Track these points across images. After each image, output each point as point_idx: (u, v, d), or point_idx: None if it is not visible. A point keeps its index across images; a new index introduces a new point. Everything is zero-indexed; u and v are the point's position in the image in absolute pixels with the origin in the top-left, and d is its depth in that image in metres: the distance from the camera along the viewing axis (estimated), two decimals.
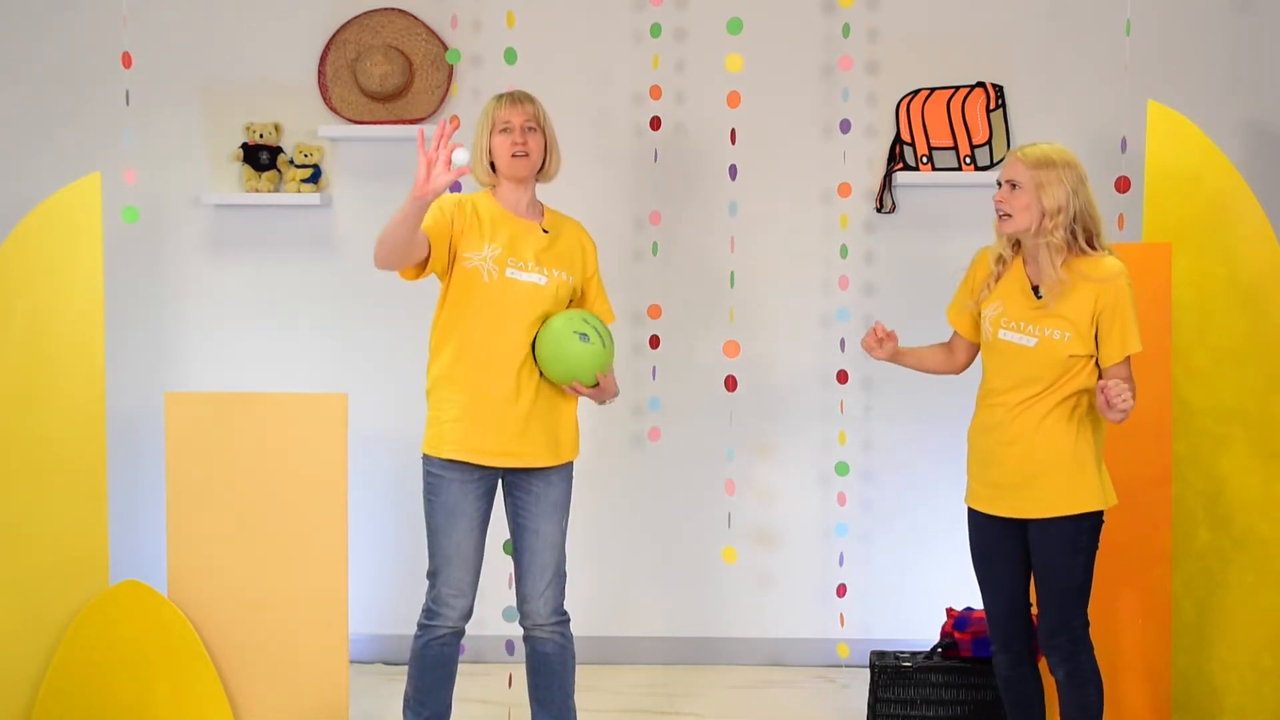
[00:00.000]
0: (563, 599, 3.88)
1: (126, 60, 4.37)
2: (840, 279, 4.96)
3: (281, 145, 5.08)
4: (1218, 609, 4.17)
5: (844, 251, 4.90)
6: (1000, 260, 3.73)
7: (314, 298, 5.14)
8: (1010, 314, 3.66)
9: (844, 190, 4.85)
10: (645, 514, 5.18)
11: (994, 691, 4.23)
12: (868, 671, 4.50)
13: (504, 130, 3.79)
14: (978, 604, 4.33)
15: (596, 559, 5.11)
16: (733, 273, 4.83)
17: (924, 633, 4.85)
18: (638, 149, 5.07)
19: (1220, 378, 4.18)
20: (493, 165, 3.83)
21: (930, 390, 4.92)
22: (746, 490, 5.12)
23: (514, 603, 3.92)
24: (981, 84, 4.96)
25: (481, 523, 3.82)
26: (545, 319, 3.78)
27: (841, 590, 4.78)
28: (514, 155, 3.77)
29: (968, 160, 4.93)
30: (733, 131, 4.77)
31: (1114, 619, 4.07)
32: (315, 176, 5.07)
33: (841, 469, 4.84)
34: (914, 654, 4.43)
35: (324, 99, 5.06)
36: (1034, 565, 3.68)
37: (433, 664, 3.85)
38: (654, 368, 5.01)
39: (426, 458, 3.80)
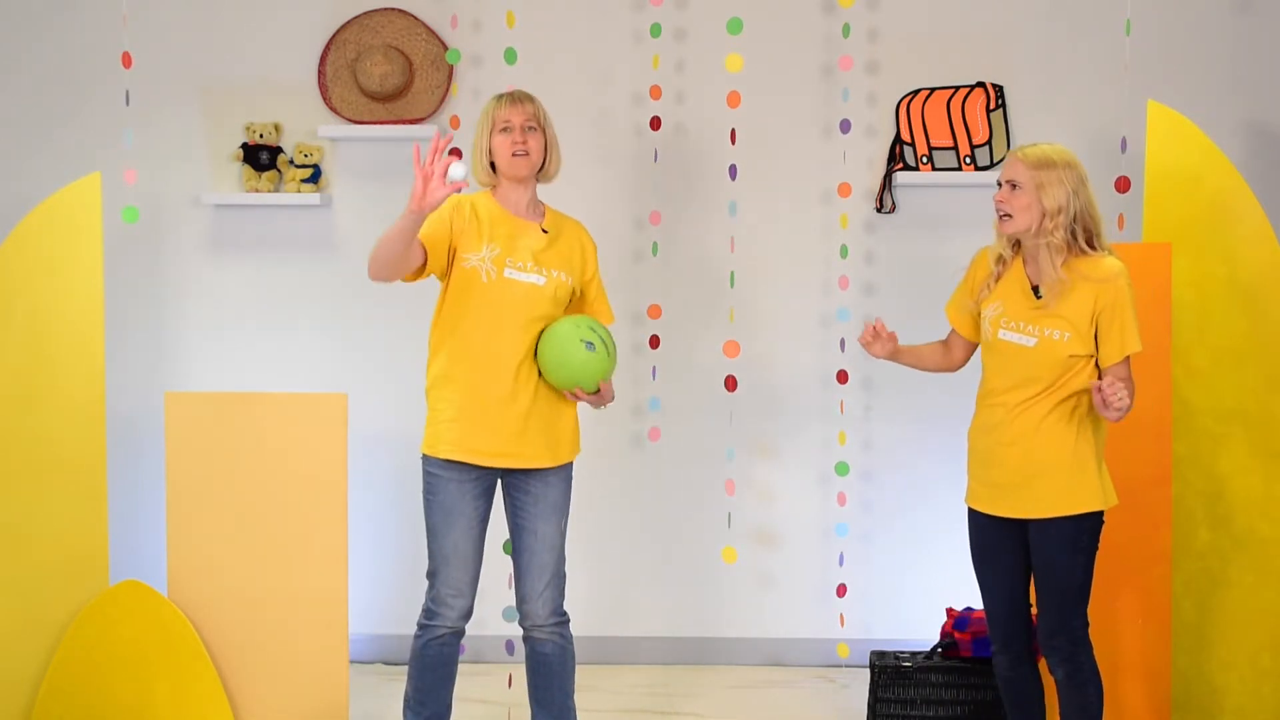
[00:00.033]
0: (562, 599, 3.88)
1: (126, 60, 4.37)
2: (840, 279, 4.96)
3: (281, 145, 5.08)
4: (1218, 609, 4.17)
5: (844, 251, 4.90)
6: (1000, 260, 3.73)
7: (314, 298, 5.14)
8: (1010, 314, 3.66)
9: (844, 190, 4.85)
10: (645, 514, 5.18)
11: (994, 691, 4.23)
12: (868, 671, 4.50)
13: (504, 130, 3.79)
14: (978, 604, 4.33)
15: (596, 559, 5.11)
16: (733, 273, 4.83)
17: (924, 633, 4.85)
18: (638, 149, 5.07)
19: (1220, 378, 4.18)
20: (493, 165, 3.83)
21: (930, 390, 4.93)
22: (746, 490, 5.12)
23: (514, 603, 3.92)
24: (981, 84, 4.96)
25: (480, 523, 3.82)
26: (547, 321, 3.78)
27: (841, 590, 4.78)
28: (514, 154, 3.77)
29: (968, 160, 4.93)
30: (733, 131, 4.77)
31: (1114, 619, 4.07)
32: (315, 176, 5.07)
33: (841, 469, 4.84)
34: (914, 654, 4.43)
35: (324, 99, 5.06)
36: (1034, 565, 3.68)
37: (432, 664, 3.85)
38: (654, 368, 5.01)
39: (425, 457, 3.81)
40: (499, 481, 3.86)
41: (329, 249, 5.14)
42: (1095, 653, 3.69)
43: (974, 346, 3.87)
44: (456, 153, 4.40)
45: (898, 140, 5.01)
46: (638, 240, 5.08)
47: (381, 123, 5.03)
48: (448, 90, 5.03)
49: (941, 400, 4.91)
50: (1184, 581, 4.21)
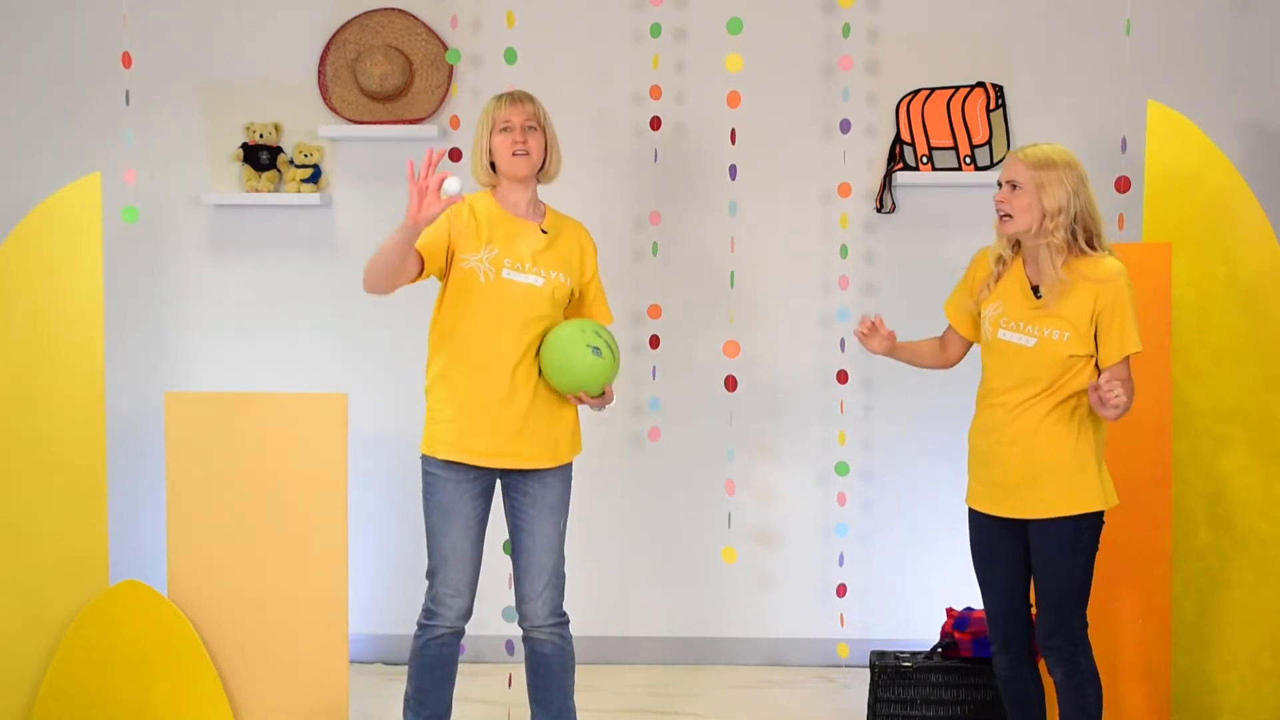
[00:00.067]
0: (561, 600, 3.88)
1: (126, 60, 4.37)
2: (840, 279, 4.96)
3: (281, 145, 5.08)
4: (1218, 609, 4.17)
5: (844, 251, 4.90)
6: (1000, 260, 3.73)
7: (314, 298, 5.14)
8: (1010, 314, 3.66)
9: (844, 190, 4.85)
10: (645, 514, 5.18)
11: (994, 691, 4.23)
12: (868, 671, 4.49)
13: (504, 129, 3.78)
14: (978, 604, 4.33)
15: (596, 559, 5.11)
16: (733, 273, 4.83)
17: (924, 633, 4.85)
18: (638, 149, 5.07)
19: (1220, 378, 4.18)
20: (493, 165, 3.83)
21: (930, 390, 4.93)
22: (746, 490, 5.12)
23: (513, 603, 3.92)
24: (981, 84, 4.96)
25: (478, 523, 3.82)
26: (546, 322, 3.77)
27: (841, 590, 4.78)
28: (514, 154, 3.77)
29: (968, 160, 4.93)
30: (733, 131, 4.77)
31: (1114, 619, 4.07)
32: (315, 176, 5.07)
33: (841, 469, 4.84)
34: (914, 654, 4.43)
35: (324, 99, 5.06)
36: (1034, 565, 3.67)
37: (432, 664, 3.85)
38: (654, 368, 5.01)
39: (424, 457, 3.81)
40: (498, 481, 3.86)
41: (329, 249, 5.14)
42: (1095, 653, 3.68)
43: (970, 344, 3.88)
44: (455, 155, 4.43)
45: (898, 140, 5.01)
46: (638, 240, 5.08)
47: (381, 123, 5.03)
48: (448, 90, 5.03)
49: (941, 400, 4.91)
50: (1184, 581, 4.21)
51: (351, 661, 4.92)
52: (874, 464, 5.11)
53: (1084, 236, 3.60)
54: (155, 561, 4.49)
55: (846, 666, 5.00)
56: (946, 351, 3.93)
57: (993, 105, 4.93)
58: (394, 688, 4.51)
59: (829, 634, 5.03)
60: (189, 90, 5.12)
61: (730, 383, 4.81)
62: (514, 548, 3.88)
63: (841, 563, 4.90)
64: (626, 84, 5.06)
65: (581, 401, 3.79)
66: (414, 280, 3.76)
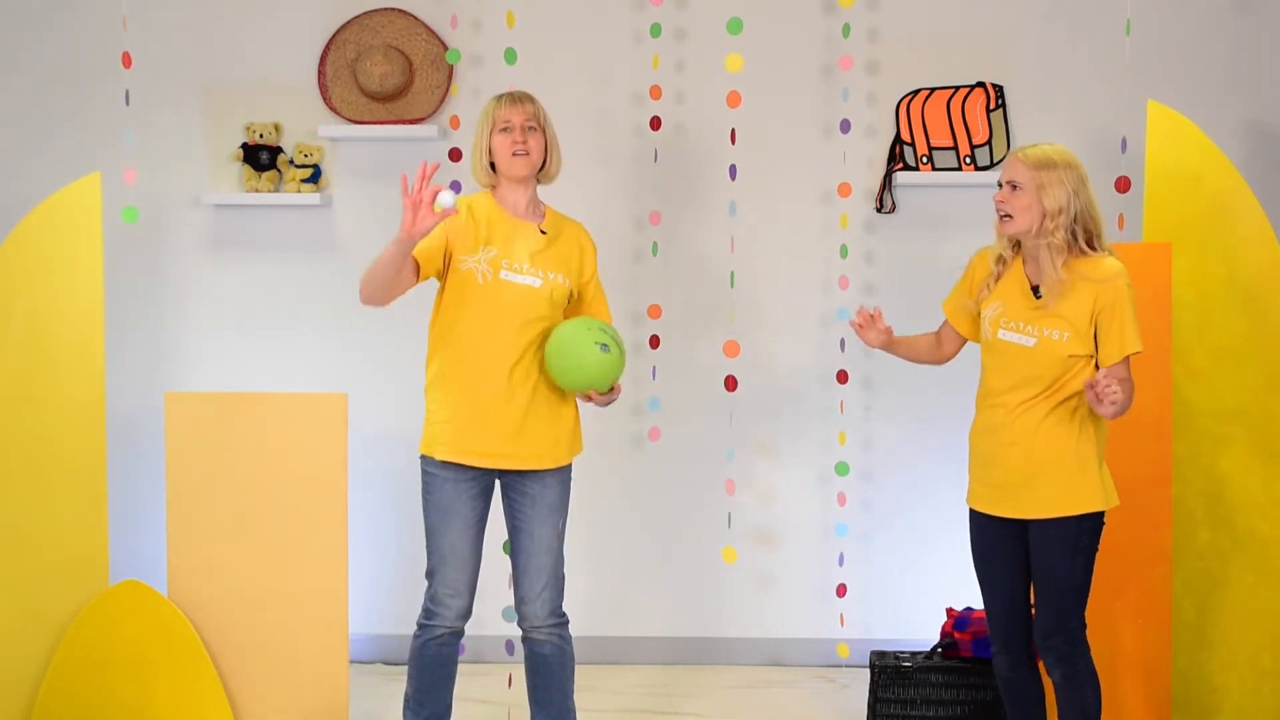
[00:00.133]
0: (560, 601, 3.88)
1: (126, 60, 4.37)
2: (840, 279, 4.96)
3: (281, 145, 5.08)
4: (1218, 609, 4.17)
5: (844, 251, 4.90)
6: (1000, 260, 3.73)
7: (314, 298, 5.14)
8: (1010, 314, 3.66)
9: (844, 190, 4.85)
10: (645, 514, 5.18)
11: (994, 691, 4.23)
12: (868, 671, 4.50)
13: (504, 129, 3.78)
14: (978, 604, 4.34)
15: (596, 559, 5.11)
16: (733, 273, 4.83)
17: (924, 633, 4.85)
18: (638, 149, 5.07)
19: (1220, 378, 4.18)
20: (493, 165, 3.83)
21: (930, 390, 4.93)
22: (746, 490, 5.12)
23: (513, 603, 3.92)
24: (981, 84, 4.96)
25: (477, 523, 3.81)
26: (544, 323, 3.77)
27: (841, 590, 4.78)
28: (514, 154, 3.77)
29: (968, 160, 4.93)
30: (733, 131, 4.77)
31: (1114, 619, 4.07)
32: (315, 176, 5.07)
33: (841, 469, 4.84)
34: (914, 654, 4.43)
35: (324, 99, 5.06)
36: (1033, 565, 3.67)
37: (432, 664, 3.85)
38: (654, 368, 5.01)
39: (423, 458, 3.81)
40: (497, 482, 3.86)
41: (329, 249, 5.14)
42: (1095, 653, 3.68)
43: (964, 341, 3.89)
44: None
45: (898, 140, 5.01)
46: (638, 240, 5.08)
47: (381, 123, 5.03)
48: (448, 90, 5.03)
49: (941, 400, 4.92)
50: (1184, 581, 4.21)
51: (351, 661, 4.92)
52: (874, 464, 5.11)
53: (1084, 237, 3.60)
54: (155, 561, 4.49)
55: (846, 666, 5.00)
56: (942, 348, 3.94)
57: (993, 105, 4.93)
58: (394, 688, 4.51)
59: (829, 634, 5.03)
60: (189, 90, 5.12)
61: (730, 383, 4.81)
62: (513, 548, 3.87)
63: (841, 563, 4.90)
64: (626, 84, 5.06)
65: (590, 399, 3.79)
66: (412, 285, 3.76)
